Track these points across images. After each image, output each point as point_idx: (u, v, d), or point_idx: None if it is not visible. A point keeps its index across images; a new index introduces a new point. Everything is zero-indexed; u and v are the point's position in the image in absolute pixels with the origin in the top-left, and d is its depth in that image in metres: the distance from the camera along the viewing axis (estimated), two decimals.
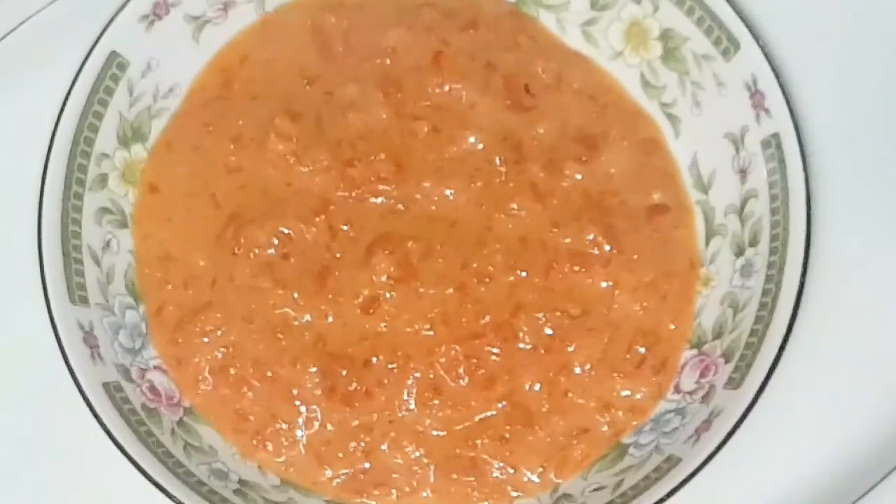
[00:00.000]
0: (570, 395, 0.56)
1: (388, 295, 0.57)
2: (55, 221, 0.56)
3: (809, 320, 0.54)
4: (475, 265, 0.57)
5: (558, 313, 0.57)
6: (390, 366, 0.56)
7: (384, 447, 0.56)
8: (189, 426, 0.56)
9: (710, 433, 0.52)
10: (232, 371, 0.57)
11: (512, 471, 0.56)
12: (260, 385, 0.56)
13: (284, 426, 0.56)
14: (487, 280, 0.57)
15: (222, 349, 0.57)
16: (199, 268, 0.58)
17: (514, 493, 0.56)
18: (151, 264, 0.59)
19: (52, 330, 0.54)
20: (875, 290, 0.58)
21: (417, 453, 0.56)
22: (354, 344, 0.57)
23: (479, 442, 0.56)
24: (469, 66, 0.61)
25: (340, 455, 0.56)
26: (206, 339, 0.57)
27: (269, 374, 0.56)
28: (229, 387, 0.57)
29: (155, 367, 0.57)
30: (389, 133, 0.60)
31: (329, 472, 0.56)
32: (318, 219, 0.58)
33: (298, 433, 0.56)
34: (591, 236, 0.58)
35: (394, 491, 0.55)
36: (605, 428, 0.56)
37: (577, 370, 0.57)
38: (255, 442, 0.56)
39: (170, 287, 0.58)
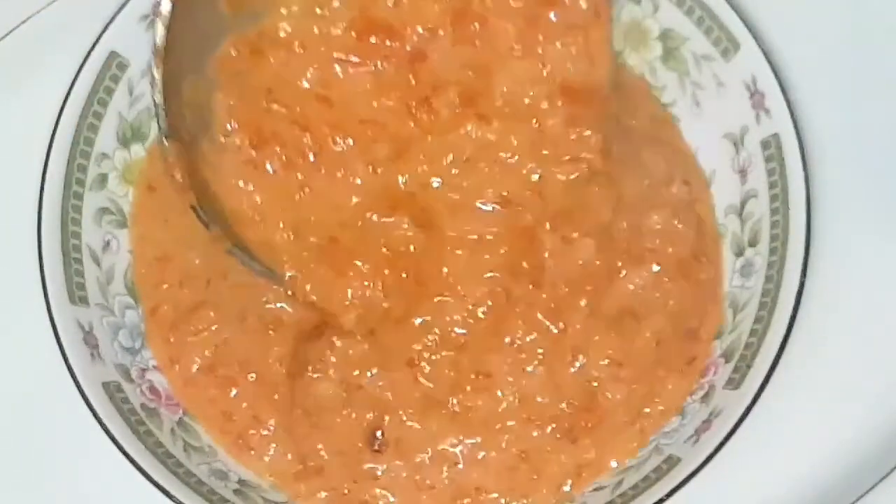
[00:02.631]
0: None
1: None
2: (55, 221, 0.56)
3: (809, 320, 0.54)
4: None
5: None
6: None
7: None
8: (188, 426, 0.56)
9: (710, 433, 0.52)
10: (220, 371, 0.56)
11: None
12: (245, 386, 0.56)
13: (265, 432, 0.56)
14: None
15: (212, 348, 0.57)
16: (195, 266, 0.58)
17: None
18: (149, 264, 0.59)
19: (52, 330, 0.54)
20: (875, 290, 0.57)
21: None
22: None
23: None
24: None
25: None
26: (196, 338, 0.57)
27: (252, 376, 0.56)
28: (217, 387, 0.56)
29: (154, 367, 0.57)
30: None
31: None
32: None
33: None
34: None
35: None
36: None
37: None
38: (240, 442, 0.56)
39: (166, 286, 0.58)
